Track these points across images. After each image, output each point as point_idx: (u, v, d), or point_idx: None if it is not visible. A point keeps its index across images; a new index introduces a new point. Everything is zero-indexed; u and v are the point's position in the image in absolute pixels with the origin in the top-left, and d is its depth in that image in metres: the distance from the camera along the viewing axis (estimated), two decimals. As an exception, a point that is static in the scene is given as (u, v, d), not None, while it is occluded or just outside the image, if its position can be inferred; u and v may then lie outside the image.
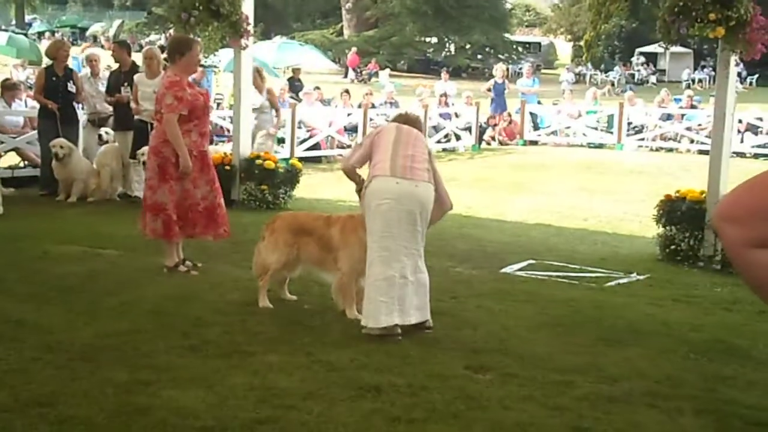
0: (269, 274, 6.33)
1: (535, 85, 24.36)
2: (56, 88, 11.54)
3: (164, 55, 9.29)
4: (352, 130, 18.70)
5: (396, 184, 5.48)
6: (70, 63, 13.01)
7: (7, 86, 13.66)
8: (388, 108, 20.34)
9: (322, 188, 13.35)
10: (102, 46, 43.87)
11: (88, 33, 59.41)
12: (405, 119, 5.95)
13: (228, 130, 16.11)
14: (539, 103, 23.98)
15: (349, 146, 17.90)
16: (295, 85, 21.88)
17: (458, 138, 20.99)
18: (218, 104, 19.35)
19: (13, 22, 63.37)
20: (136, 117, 10.96)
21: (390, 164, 5.51)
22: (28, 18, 65.49)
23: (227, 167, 11.14)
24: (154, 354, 5.08)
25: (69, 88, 11.59)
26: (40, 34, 50.68)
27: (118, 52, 12.06)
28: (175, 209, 7.04)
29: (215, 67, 19.66)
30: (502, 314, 6.34)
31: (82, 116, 12.30)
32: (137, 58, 12.53)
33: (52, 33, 53.69)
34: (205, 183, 7.19)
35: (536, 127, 22.68)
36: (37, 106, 12.11)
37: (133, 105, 10.82)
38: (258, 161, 11.25)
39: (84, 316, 5.89)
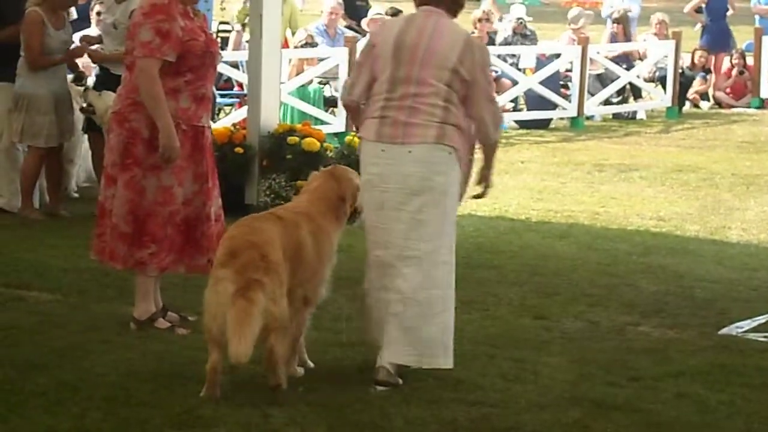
0: None
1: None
2: None
3: None
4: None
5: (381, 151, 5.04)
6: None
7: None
8: (517, 45, 15.05)
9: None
10: None
11: None
12: None
13: (240, 86, 12.77)
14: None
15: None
16: (355, 6, 15.81)
17: (640, 96, 16.05)
18: (223, 41, 14.81)
19: None
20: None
21: (378, 120, 4.95)
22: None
23: (238, 149, 8.95)
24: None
25: None
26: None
27: None
28: (128, 215, 5.74)
29: None
30: (725, 409, 5.08)
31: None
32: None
33: None
34: (192, 178, 5.83)
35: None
36: None
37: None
38: (291, 139, 8.85)
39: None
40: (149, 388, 4.84)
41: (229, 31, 15.31)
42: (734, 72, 16.73)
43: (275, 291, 4.60)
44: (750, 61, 16.54)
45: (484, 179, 5.10)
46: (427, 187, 4.78)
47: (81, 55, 8.93)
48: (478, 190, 5.15)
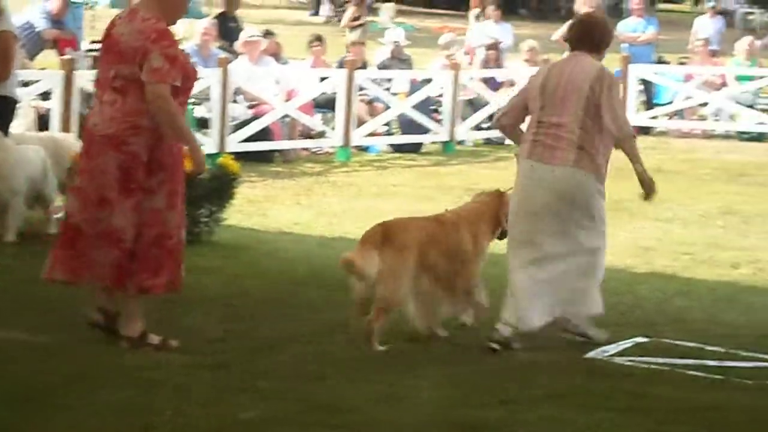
0: None
1: (649, 28, 18.11)
2: None
3: None
4: (326, 105, 13.55)
5: (531, 167, 5.99)
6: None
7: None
8: (394, 69, 14.63)
9: (275, 206, 10.76)
10: None
11: None
12: (580, 30, 6.15)
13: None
14: (661, 61, 17.57)
15: (322, 134, 13.48)
16: (228, 27, 15.07)
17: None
18: (95, 61, 12.99)
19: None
20: None
21: (531, 142, 5.97)
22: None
23: None
24: None
25: None
26: None
27: None
28: (134, 240, 5.69)
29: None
30: (590, 432, 5.33)
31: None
32: None
33: None
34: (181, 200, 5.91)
35: (650, 104, 17.52)
36: None
37: None
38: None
39: None
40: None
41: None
42: None
43: (393, 265, 5.75)
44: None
45: (639, 178, 6.03)
46: (567, 201, 5.84)
47: None
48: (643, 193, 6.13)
